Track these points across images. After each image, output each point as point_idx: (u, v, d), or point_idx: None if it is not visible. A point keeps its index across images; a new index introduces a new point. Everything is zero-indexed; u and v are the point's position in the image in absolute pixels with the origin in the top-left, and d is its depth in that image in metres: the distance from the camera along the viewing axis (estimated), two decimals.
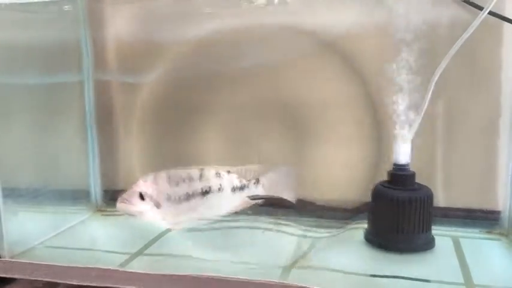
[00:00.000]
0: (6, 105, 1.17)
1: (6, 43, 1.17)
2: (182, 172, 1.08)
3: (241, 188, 1.11)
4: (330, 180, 1.33)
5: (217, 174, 1.09)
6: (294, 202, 1.17)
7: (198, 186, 1.07)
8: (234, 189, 1.11)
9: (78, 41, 1.39)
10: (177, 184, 1.07)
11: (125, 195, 1.06)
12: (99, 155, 1.45)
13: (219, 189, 1.09)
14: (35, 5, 1.17)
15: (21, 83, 1.21)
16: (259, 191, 1.13)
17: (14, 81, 1.19)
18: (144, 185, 1.06)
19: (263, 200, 1.14)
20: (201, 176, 1.08)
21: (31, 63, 1.25)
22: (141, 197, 1.05)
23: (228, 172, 1.12)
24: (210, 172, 1.09)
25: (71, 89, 1.39)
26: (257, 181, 1.13)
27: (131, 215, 1.06)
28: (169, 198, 1.06)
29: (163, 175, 1.07)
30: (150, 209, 1.06)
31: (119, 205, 1.05)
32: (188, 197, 1.07)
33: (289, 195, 1.17)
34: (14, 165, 1.18)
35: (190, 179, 1.08)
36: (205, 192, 1.08)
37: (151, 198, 1.05)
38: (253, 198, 1.13)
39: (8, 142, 1.18)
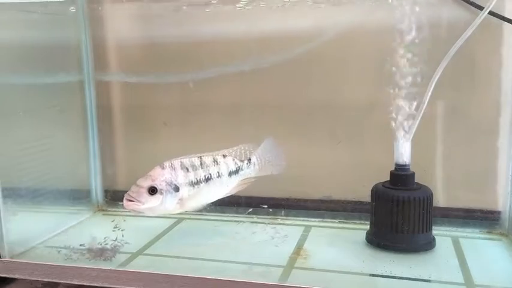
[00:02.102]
0: (6, 105, 1.17)
1: (6, 43, 1.17)
2: (187, 160, 1.10)
3: (236, 171, 1.14)
4: (330, 179, 1.33)
5: (215, 161, 1.12)
6: (280, 173, 1.20)
7: (202, 173, 1.10)
8: (230, 174, 1.13)
9: (78, 41, 1.39)
10: (187, 171, 1.08)
11: (132, 194, 1.05)
12: (100, 155, 1.46)
13: (218, 175, 1.11)
14: (35, 5, 1.17)
15: (21, 83, 1.21)
16: (251, 170, 1.16)
17: (14, 81, 1.19)
18: (161, 172, 1.07)
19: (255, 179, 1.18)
20: (201, 164, 1.10)
21: (31, 63, 1.25)
22: (152, 190, 1.04)
23: (224, 156, 1.14)
24: (208, 159, 1.11)
25: (71, 89, 1.39)
26: (249, 161, 1.16)
27: (139, 212, 1.06)
28: (185, 183, 1.08)
29: (177, 162, 1.09)
30: (159, 204, 1.05)
31: (126, 204, 1.05)
32: (197, 182, 1.09)
33: (276, 170, 1.19)
34: (14, 165, 1.18)
35: (194, 166, 1.09)
36: (208, 179, 1.10)
37: (170, 183, 1.06)
38: (246, 179, 1.16)
39: (8, 142, 1.18)
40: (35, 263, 1.08)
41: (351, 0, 1.21)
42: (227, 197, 1.30)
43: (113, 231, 1.23)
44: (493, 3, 1.03)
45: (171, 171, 1.07)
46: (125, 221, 1.29)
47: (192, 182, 1.08)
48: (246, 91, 1.36)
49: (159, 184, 1.05)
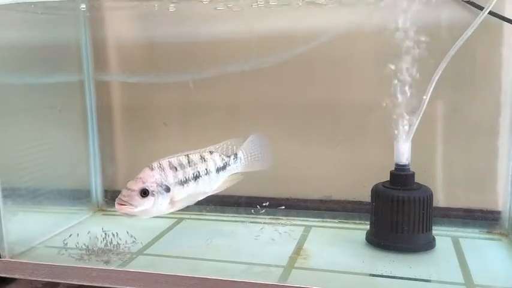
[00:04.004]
0: (6, 105, 1.17)
1: (6, 43, 1.17)
2: (175, 160, 1.08)
3: (224, 167, 1.13)
4: (330, 179, 1.33)
5: (202, 159, 1.11)
6: (266, 169, 1.18)
7: (190, 171, 1.08)
8: (218, 170, 1.12)
9: (78, 41, 1.39)
10: (176, 170, 1.07)
11: (123, 197, 1.03)
12: (100, 155, 1.46)
13: (206, 172, 1.11)
14: (35, 5, 1.17)
15: (21, 83, 1.21)
16: (238, 166, 1.15)
17: (14, 81, 1.19)
18: (151, 174, 1.05)
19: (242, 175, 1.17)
20: (189, 162, 1.09)
21: (31, 63, 1.25)
22: (143, 193, 1.03)
23: (211, 153, 1.13)
24: (195, 157, 1.10)
25: (71, 89, 1.39)
26: (235, 156, 1.15)
27: (132, 216, 1.05)
28: (175, 183, 1.06)
29: (165, 161, 1.07)
30: (152, 205, 1.03)
31: (119, 207, 1.03)
32: (186, 181, 1.08)
33: (262, 166, 1.18)
34: (14, 165, 1.18)
35: (182, 165, 1.08)
36: (196, 177, 1.09)
37: (161, 184, 1.04)
38: (234, 175, 1.15)
39: (8, 142, 1.18)
40: (35, 263, 1.08)
41: (351, 0, 1.21)
42: (227, 197, 1.31)
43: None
44: (493, 3, 1.03)
45: (161, 172, 1.05)
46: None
47: (181, 180, 1.07)
48: (246, 91, 1.36)
49: (150, 186, 1.03)
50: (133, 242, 1.18)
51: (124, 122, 1.47)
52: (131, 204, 1.02)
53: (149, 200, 1.03)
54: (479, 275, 1.00)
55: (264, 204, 1.31)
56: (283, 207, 1.33)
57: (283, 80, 1.31)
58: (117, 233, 1.18)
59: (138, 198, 1.02)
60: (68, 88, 1.38)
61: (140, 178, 1.04)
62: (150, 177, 1.04)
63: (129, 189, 1.03)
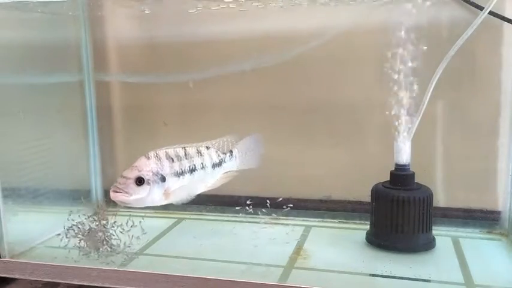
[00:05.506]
0: (6, 105, 1.17)
1: (6, 43, 1.17)
2: (172, 151, 1.08)
3: (219, 163, 1.13)
4: (330, 179, 1.33)
5: (199, 153, 1.11)
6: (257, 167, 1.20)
7: (187, 164, 1.08)
8: (213, 166, 1.12)
9: (78, 41, 1.39)
10: (173, 161, 1.07)
11: (118, 185, 1.02)
12: (100, 155, 1.45)
13: (202, 167, 1.11)
14: (35, 5, 1.17)
15: (21, 83, 1.21)
16: (233, 163, 1.16)
17: (14, 81, 1.19)
18: (147, 163, 1.04)
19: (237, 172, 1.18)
20: (186, 155, 1.09)
21: (31, 63, 1.25)
22: (139, 181, 1.02)
23: (207, 148, 1.13)
24: (192, 150, 1.10)
25: (71, 89, 1.39)
26: (231, 153, 1.15)
27: (127, 204, 1.04)
28: (171, 173, 1.06)
29: (162, 152, 1.07)
30: (147, 195, 1.03)
31: (113, 195, 1.02)
32: (182, 173, 1.07)
33: (254, 164, 1.19)
34: (14, 165, 1.18)
35: (179, 157, 1.08)
36: (192, 170, 1.09)
37: (157, 173, 1.04)
38: (228, 173, 1.16)
39: (8, 142, 1.18)
40: (35, 263, 1.08)
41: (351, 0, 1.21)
42: (227, 197, 1.31)
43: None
44: (493, 3, 1.03)
45: (157, 161, 1.05)
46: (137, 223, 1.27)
47: (177, 172, 1.06)
48: (246, 91, 1.35)
49: (146, 174, 1.02)
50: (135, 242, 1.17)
51: (124, 122, 1.47)
52: (126, 192, 1.01)
53: (144, 188, 1.02)
54: (479, 275, 1.00)
55: (248, 202, 1.31)
56: (291, 205, 1.32)
57: (283, 80, 1.31)
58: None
59: (133, 186, 1.02)
60: (68, 88, 1.38)
61: (136, 166, 1.04)
62: (146, 166, 1.04)
63: (124, 177, 1.03)
